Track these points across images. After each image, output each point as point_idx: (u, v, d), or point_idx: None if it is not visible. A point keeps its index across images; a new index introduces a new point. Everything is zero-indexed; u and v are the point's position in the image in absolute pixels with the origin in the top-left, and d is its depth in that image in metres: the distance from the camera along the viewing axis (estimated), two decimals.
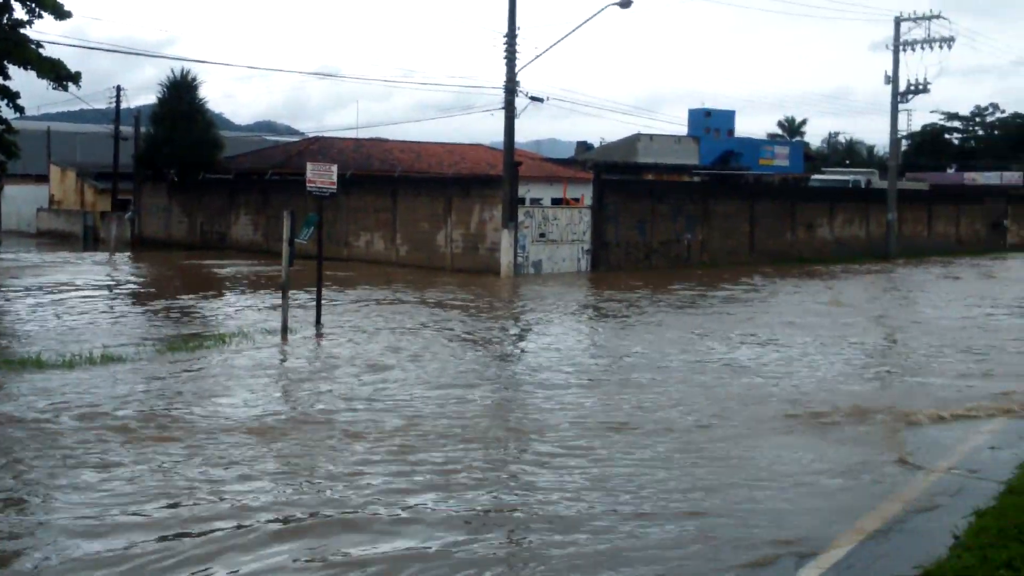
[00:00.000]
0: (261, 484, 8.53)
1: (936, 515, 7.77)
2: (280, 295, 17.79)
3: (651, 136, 59.69)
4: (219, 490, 8.33)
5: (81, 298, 23.23)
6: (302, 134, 68.40)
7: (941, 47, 45.95)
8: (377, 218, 36.96)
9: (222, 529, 7.41)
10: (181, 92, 46.25)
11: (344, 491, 8.34)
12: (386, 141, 48.52)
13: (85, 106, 52.50)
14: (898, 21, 46.62)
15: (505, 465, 9.32)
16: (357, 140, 48.15)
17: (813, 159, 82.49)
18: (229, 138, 54.29)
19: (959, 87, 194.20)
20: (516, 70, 31.97)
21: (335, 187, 18.70)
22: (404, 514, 7.80)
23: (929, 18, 46.12)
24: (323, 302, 19.00)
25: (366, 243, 37.31)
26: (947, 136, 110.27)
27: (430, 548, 7.08)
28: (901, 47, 46.51)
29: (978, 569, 5.93)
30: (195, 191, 45.67)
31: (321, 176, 18.47)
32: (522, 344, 17.54)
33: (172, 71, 47.27)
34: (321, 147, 45.04)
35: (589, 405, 11.91)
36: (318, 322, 18.19)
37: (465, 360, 15.10)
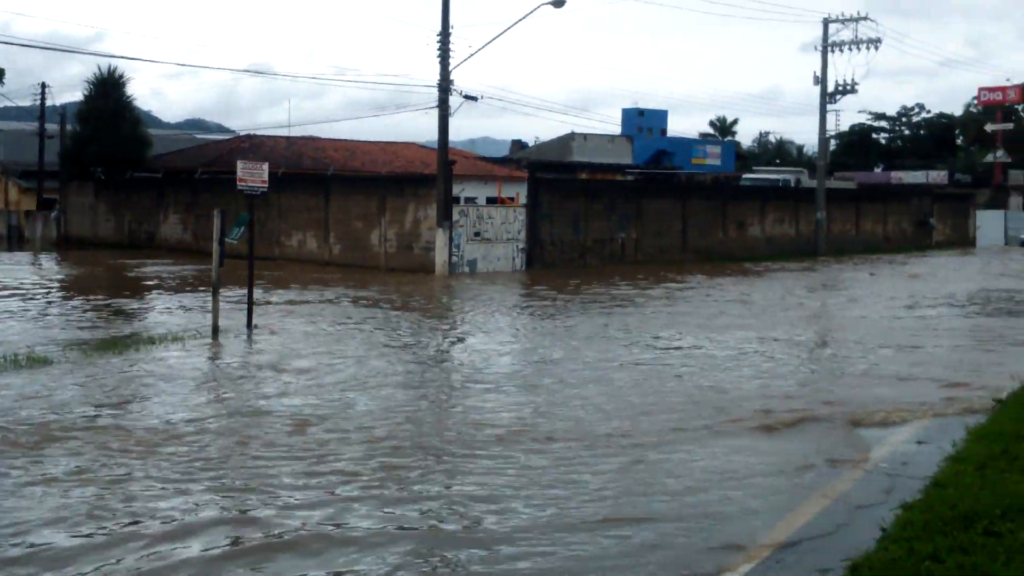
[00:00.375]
0: (189, 499, 8.10)
1: (865, 510, 7.88)
2: (211, 295, 17.52)
3: (585, 135, 59.96)
4: (128, 507, 7.78)
5: (2, 298, 22.67)
6: (233, 132, 67.52)
7: (868, 48, 46.86)
8: (309, 217, 36.63)
9: (121, 550, 6.92)
10: (108, 89, 45.43)
11: (263, 505, 7.92)
12: (319, 139, 48.11)
13: (9, 103, 51.45)
14: (826, 22, 47.41)
15: (436, 475, 8.90)
16: (289, 138, 47.66)
17: (744, 158, 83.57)
18: (158, 136, 53.43)
19: (887, 88, 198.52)
20: (450, 69, 31.90)
21: (266, 186, 18.49)
22: (329, 529, 7.38)
23: (856, 20, 46.96)
24: (254, 302, 18.74)
25: (298, 242, 36.96)
26: (874, 136, 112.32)
27: (358, 570, 6.71)
28: (829, 48, 47.30)
29: (905, 561, 6.01)
30: (123, 190, 44.87)
31: (252, 175, 18.24)
32: (453, 346, 17.33)
33: (99, 68, 46.36)
34: (252, 145, 44.51)
35: (518, 410, 11.60)
36: (249, 323, 17.94)
37: (395, 362, 14.90)
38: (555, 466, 9.12)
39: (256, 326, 17.88)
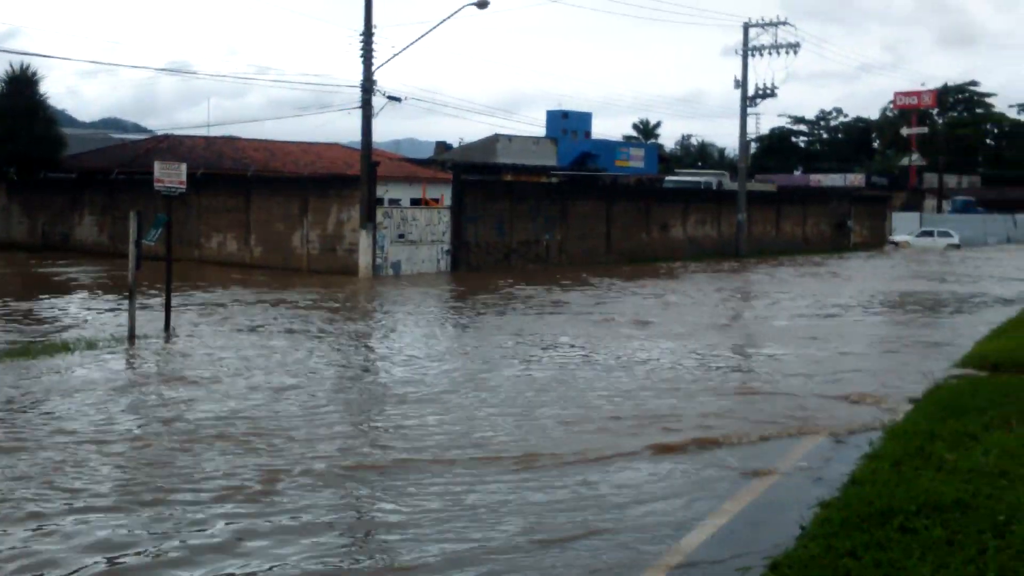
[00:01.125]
0: (93, 517, 7.72)
1: (785, 509, 7.95)
2: (127, 299, 17.12)
3: (510, 137, 59.99)
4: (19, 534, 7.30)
5: None
6: (151, 132, 66.30)
7: (788, 52, 47.67)
8: (230, 218, 36.09)
9: None
10: (21, 87, 44.23)
11: (169, 529, 7.48)
12: (239, 139, 47.39)
13: None
14: (746, 27, 48.11)
15: (354, 500, 8.39)
16: (208, 138, 46.85)
17: (667, 161, 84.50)
18: (73, 136, 52.16)
19: (807, 92, 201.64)
20: (373, 69, 31.69)
21: (184, 186, 18.17)
22: (233, 568, 6.83)
23: (776, 24, 47.74)
24: (172, 306, 18.40)
25: (218, 244, 36.40)
26: (794, 139, 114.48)
27: None
28: (750, 52, 48.02)
29: (823, 558, 6.07)
30: (36, 191, 43.76)
31: (170, 175, 17.92)
32: (372, 352, 16.95)
33: (11, 65, 45.24)
34: (170, 145, 43.66)
35: (434, 424, 11.00)
36: (167, 327, 17.60)
37: (314, 369, 14.50)
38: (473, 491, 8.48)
39: (174, 330, 17.53)
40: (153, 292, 22.58)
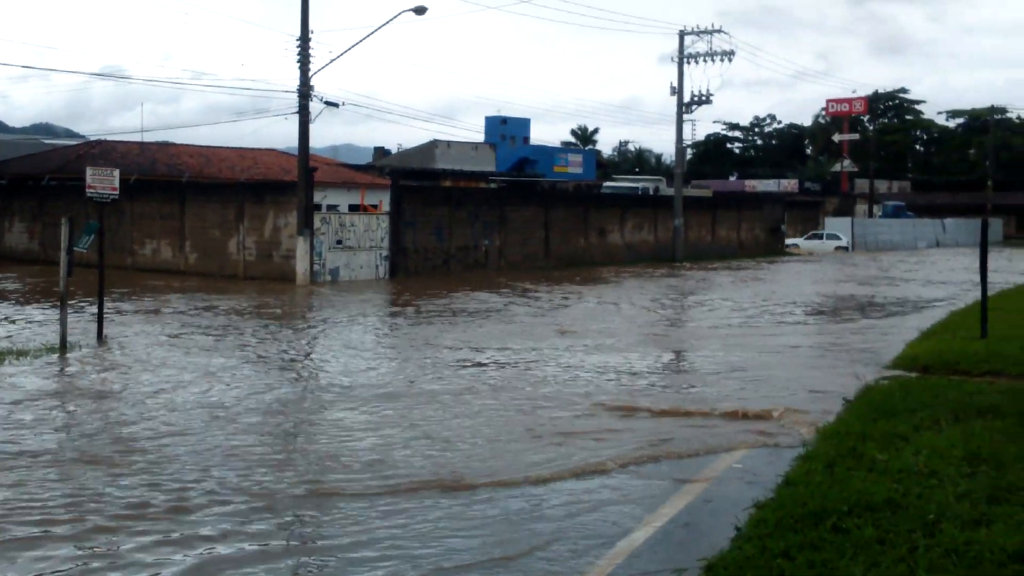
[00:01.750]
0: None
1: (721, 511, 8.05)
2: (59, 307, 16.81)
3: (448, 143, 59.91)
4: None
5: None
6: (83, 137, 65.14)
7: (723, 60, 48.28)
8: (164, 225, 35.60)
9: None
10: None
11: (80, 556, 7.09)
12: (174, 145, 46.82)
13: None
14: (682, 35, 48.63)
15: (294, 529, 7.87)
16: (142, 144, 46.25)
17: (605, 167, 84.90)
18: (3, 141, 51.19)
19: (743, 99, 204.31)
20: (310, 74, 31.49)
21: (117, 193, 17.90)
22: None
23: (711, 32, 48.32)
24: (105, 314, 18.10)
25: (152, 251, 35.88)
26: (729, 145, 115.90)
27: None
28: (686, 60, 48.53)
29: (758, 559, 6.15)
30: None
31: (102, 181, 17.67)
32: (307, 361, 16.62)
33: None
34: (103, 151, 42.98)
35: (366, 438, 10.57)
36: (100, 335, 17.32)
37: (248, 379, 14.16)
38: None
39: (106, 339, 17.25)
40: (86, 300, 22.20)
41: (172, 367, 14.89)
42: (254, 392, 13.09)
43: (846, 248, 59.73)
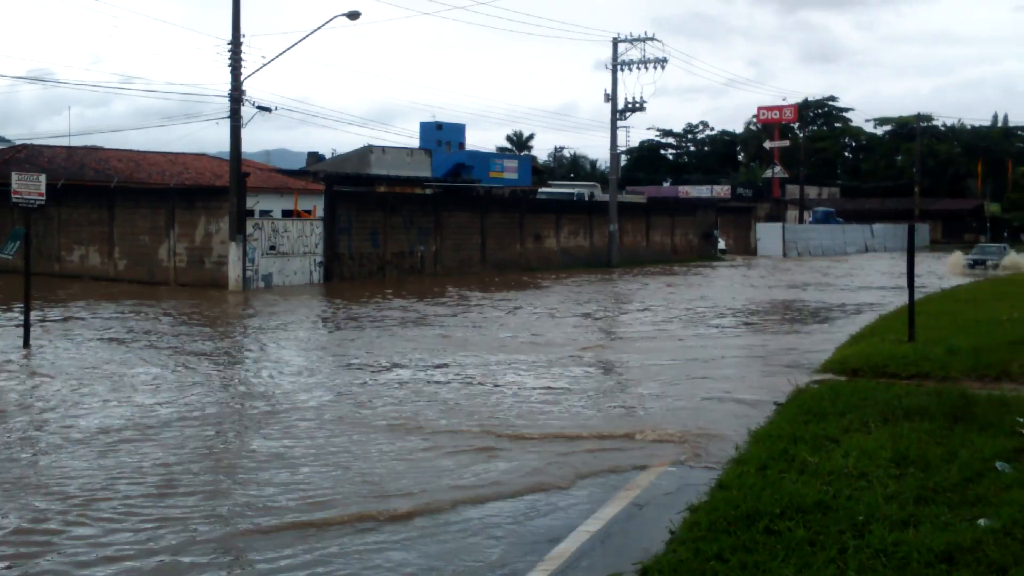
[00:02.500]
0: None
1: (654, 514, 8.08)
2: None
3: (383, 148, 59.59)
4: None
5: None
6: (9, 141, 63.63)
7: (655, 67, 48.73)
8: (92, 231, 34.94)
9: None
10: None
11: None
12: (102, 149, 45.97)
13: None
14: (616, 42, 48.99)
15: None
16: (70, 148, 45.29)
17: (540, 172, 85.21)
18: None
19: (677, 106, 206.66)
20: (242, 78, 31.14)
21: (44, 198, 17.53)
22: None
23: (644, 40, 48.74)
24: (31, 321, 17.71)
25: (80, 257, 35.19)
26: (663, 152, 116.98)
27: None
28: (620, 67, 48.88)
29: (692, 562, 6.18)
30: None
31: (28, 186, 17.29)
32: (233, 370, 16.30)
33: None
34: (29, 155, 42.04)
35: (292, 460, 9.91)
36: (26, 343, 16.95)
37: (174, 389, 13.80)
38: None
39: (30, 347, 16.88)
40: (11, 307, 21.68)
41: (93, 376, 14.60)
42: (160, 406, 12.85)
43: (724, 251, 60.44)
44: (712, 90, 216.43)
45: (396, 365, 16.18)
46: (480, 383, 14.53)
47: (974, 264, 47.36)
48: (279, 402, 12.94)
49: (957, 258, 49.98)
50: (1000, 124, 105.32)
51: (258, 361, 16.75)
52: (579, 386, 14.47)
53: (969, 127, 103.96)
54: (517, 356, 17.37)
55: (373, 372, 15.46)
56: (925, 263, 47.46)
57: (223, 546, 7.51)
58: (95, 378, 14.37)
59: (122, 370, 15.14)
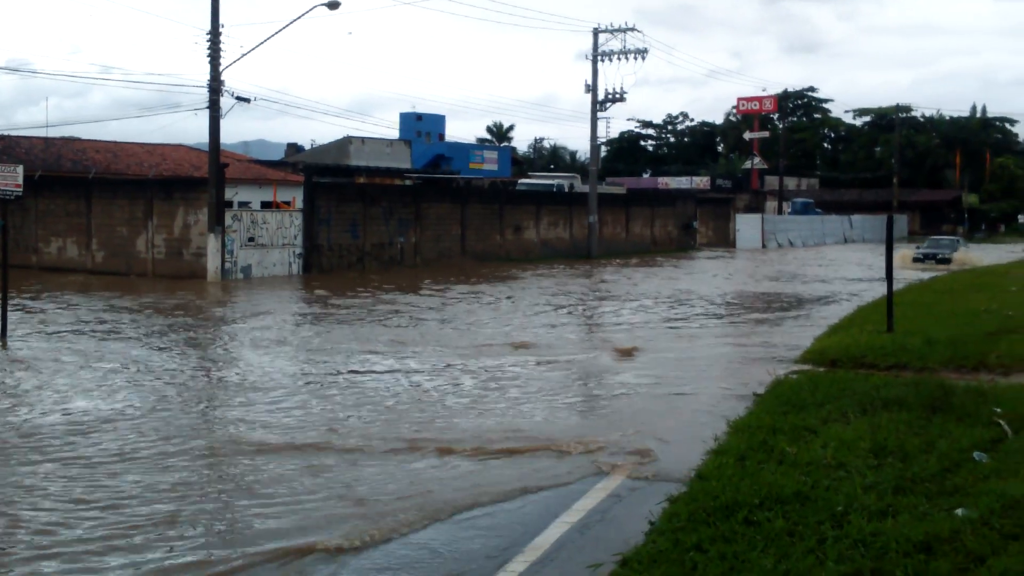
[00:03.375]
0: None
1: (635, 504, 8.10)
2: None
3: (363, 139, 59.49)
4: None
5: None
6: None
7: (636, 58, 48.66)
8: (70, 223, 34.69)
9: None
10: None
11: None
12: (79, 140, 45.60)
13: None
14: (596, 32, 48.91)
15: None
16: (47, 139, 44.92)
17: (520, 163, 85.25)
18: None
19: (659, 97, 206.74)
20: (221, 69, 30.96)
21: (21, 190, 17.36)
22: None
23: (624, 30, 48.67)
24: (9, 313, 17.57)
25: (58, 249, 34.94)
26: (642, 143, 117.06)
27: None
28: (600, 58, 48.83)
29: (671, 552, 6.20)
30: None
31: (5, 177, 17.15)
32: (210, 365, 16.02)
33: None
34: (6, 146, 41.66)
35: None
36: (3, 335, 16.82)
37: (145, 385, 13.49)
38: None
39: (7, 341, 16.77)
40: None
41: (70, 370, 14.52)
42: (130, 408, 12.78)
43: None
44: (693, 81, 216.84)
45: (352, 368, 14.97)
46: (425, 387, 13.42)
47: (924, 258, 44.53)
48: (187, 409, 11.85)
49: (905, 252, 45.47)
50: (979, 115, 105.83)
51: (209, 359, 16.17)
52: (541, 385, 14.10)
53: (948, 118, 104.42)
54: (485, 359, 16.13)
55: (327, 374, 14.45)
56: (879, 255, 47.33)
57: None
58: (76, 370, 14.29)
59: (105, 358, 15.06)
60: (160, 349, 16.69)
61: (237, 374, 14.50)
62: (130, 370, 14.52)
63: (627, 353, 16.80)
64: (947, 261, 44.26)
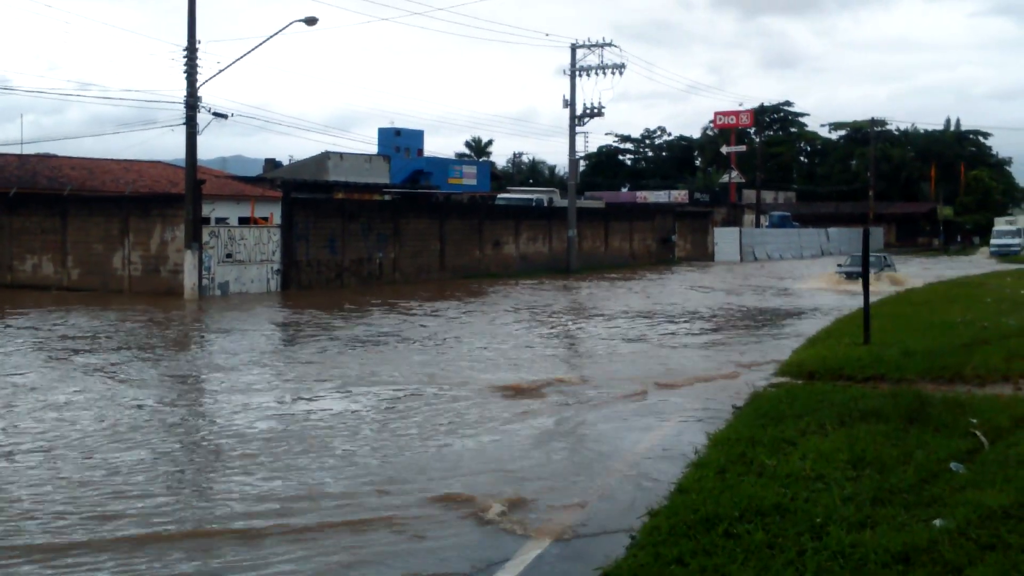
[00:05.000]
0: None
1: (617, 519, 8.08)
2: None
3: (341, 154, 59.37)
4: None
5: None
6: None
7: (614, 73, 48.81)
8: (45, 240, 34.47)
9: None
10: None
11: None
12: (55, 157, 45.31)
13: None
14: (574, 48, 49.07)
15: None
16: (22, 156, 44.62)
17: (499, 178, 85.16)
18: None
19: (637, 111, 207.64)
20: (198, 85, 30.87)
21: None
22: None
23: (602, 45, 48.84)
24: None
25: (33, 267, 34.70)
26: (621, 157, 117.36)
27: None
28: (578, 73, 48.97)
29: (652, 566, 6.19)
30: None
31: None
32: (187, 389, 15.85)
33: None
34: None
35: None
36: None
37: (123, 405, 13.29)
38: None
39: None
40: None
41: (48, 388, 14.40)
42: (130, 422, 12.66)
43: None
44: (672, 96, 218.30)
45: (300, 396, 14.02)
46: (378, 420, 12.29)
47: (848, 276, 37.69)
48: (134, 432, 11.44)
49: (831, 271, 41.57)
50: (953, 128, 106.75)
51: (165, 385, 15.28)
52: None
53: (922, 131, 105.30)
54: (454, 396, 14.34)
55: (275, 405, 13.31)
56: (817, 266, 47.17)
57: None
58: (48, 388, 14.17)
59: (79, 380, 14.93)
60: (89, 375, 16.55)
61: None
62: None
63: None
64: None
